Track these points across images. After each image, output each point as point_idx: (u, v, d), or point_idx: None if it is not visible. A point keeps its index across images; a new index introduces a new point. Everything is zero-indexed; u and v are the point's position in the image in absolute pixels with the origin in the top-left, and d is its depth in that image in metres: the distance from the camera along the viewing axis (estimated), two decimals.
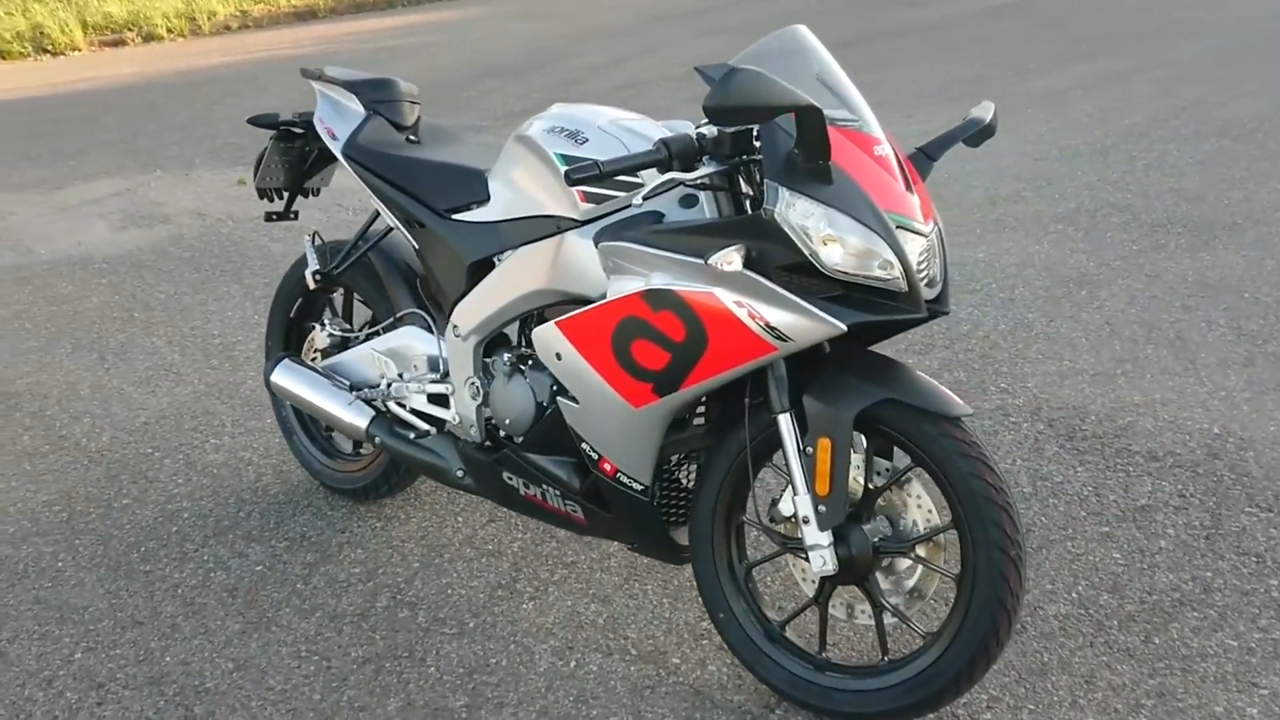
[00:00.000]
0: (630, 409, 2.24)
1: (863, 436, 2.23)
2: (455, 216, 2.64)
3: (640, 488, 2.35)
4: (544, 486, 2.52)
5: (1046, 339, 3.96)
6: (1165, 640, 2.46)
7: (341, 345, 3.03)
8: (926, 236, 2.08)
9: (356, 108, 2.89)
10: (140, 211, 6.36)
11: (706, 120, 2.12)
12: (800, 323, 2.01)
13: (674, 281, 2.11)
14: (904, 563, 2.23)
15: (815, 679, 2.28)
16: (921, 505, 2.20)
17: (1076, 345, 3.89)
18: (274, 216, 3.21)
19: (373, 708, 2.41)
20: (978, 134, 2.36)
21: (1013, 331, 4.04)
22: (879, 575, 2.25)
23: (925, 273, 2.08)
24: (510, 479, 2.59)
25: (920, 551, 2.21)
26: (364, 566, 2.90)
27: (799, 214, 1.99)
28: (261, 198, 3.17)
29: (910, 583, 2.25)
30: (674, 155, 2.08)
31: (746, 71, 1.86)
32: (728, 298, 2.05)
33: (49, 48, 13.48)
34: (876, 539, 2.21)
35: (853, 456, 2.26)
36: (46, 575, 2.95)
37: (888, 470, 2.23)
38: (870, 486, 2.24)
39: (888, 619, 2.26)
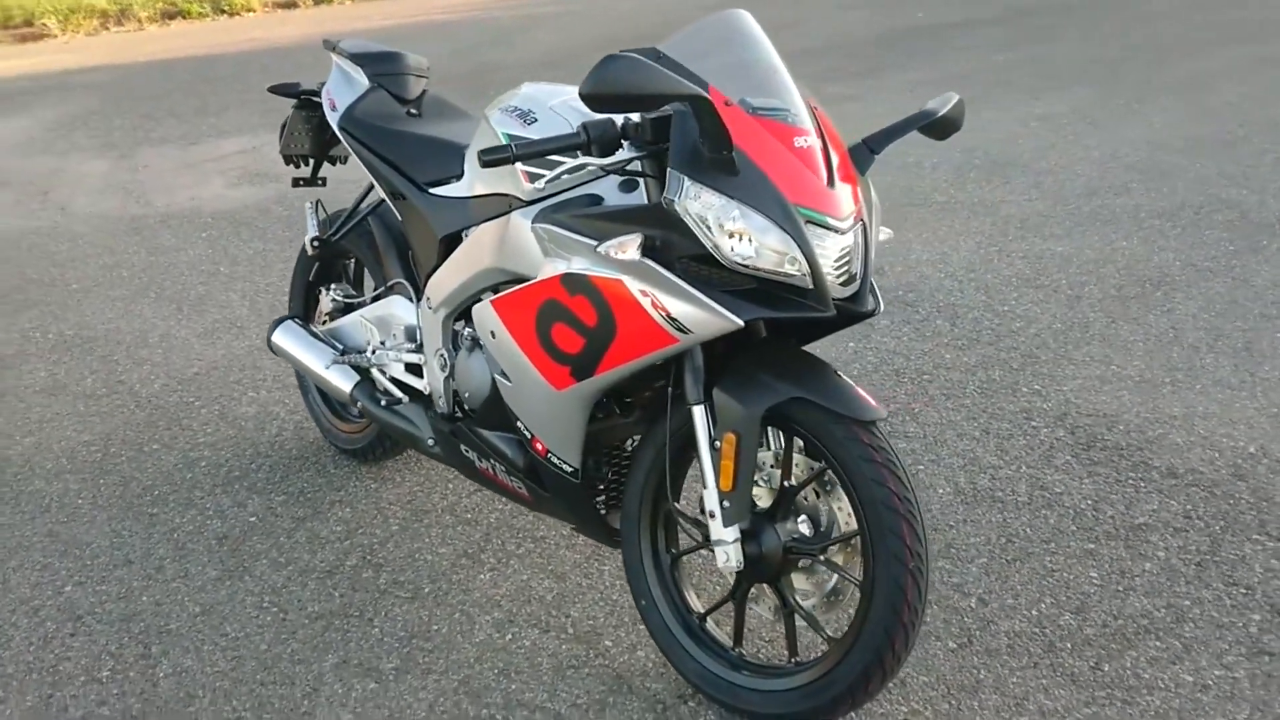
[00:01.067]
0: (553, 391, 2.25)
1: (782, 434, 2.18)
2: (432, 190, 2.68)
3: (570, 470, 2.35)
4: (493, 461, 2.56)
5: (1101, 341, 3.76)
6: (1115, 669, 2.33)
7: (344, 311, 3.13)
8: (843, 233, 1.99)
9: (362, 80, 2.96)
10: (257, 170, 6.66)
11: None
12: (699, 315, 1.97)
13: (590, 267, 2.09)
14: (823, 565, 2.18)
15: (726, 675, 2.25)
16: (842, 509, 2.13)
17: (1131, 350, 3.69)
18: (300, 182, 3.32)
19: (310, 662, 2.49)
20: (937, 126, 2.25)
21: (1066, 331, 3.85)
22: (798, 576, 2.21)
23: (842, 271, 2.00)
24: (467, 451, 2.63)
25: (834, 556, 2.15)
26: (346, 526, 3.00)
27: (700, 205, 1.95)
28: (288, 164, 3.29)
29: (830, 585, 2.19)
30: (592, 140, 2.06)
31: (623, 58, 1.83)
32: (634, 286, 2.03)
33: (226, 8, 14.18)
34: (789, 539, 2.16)
35: (770, 454, 2.22)
36: (65, 511, 3.16)
37: (811, 470, 2.18)
38: (786, 485, 2.19)
39: (800, 620, 2.21)
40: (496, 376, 2.39)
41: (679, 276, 1.99)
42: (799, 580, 2.21)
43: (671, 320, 2.00)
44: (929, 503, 2.93)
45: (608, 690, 2.36)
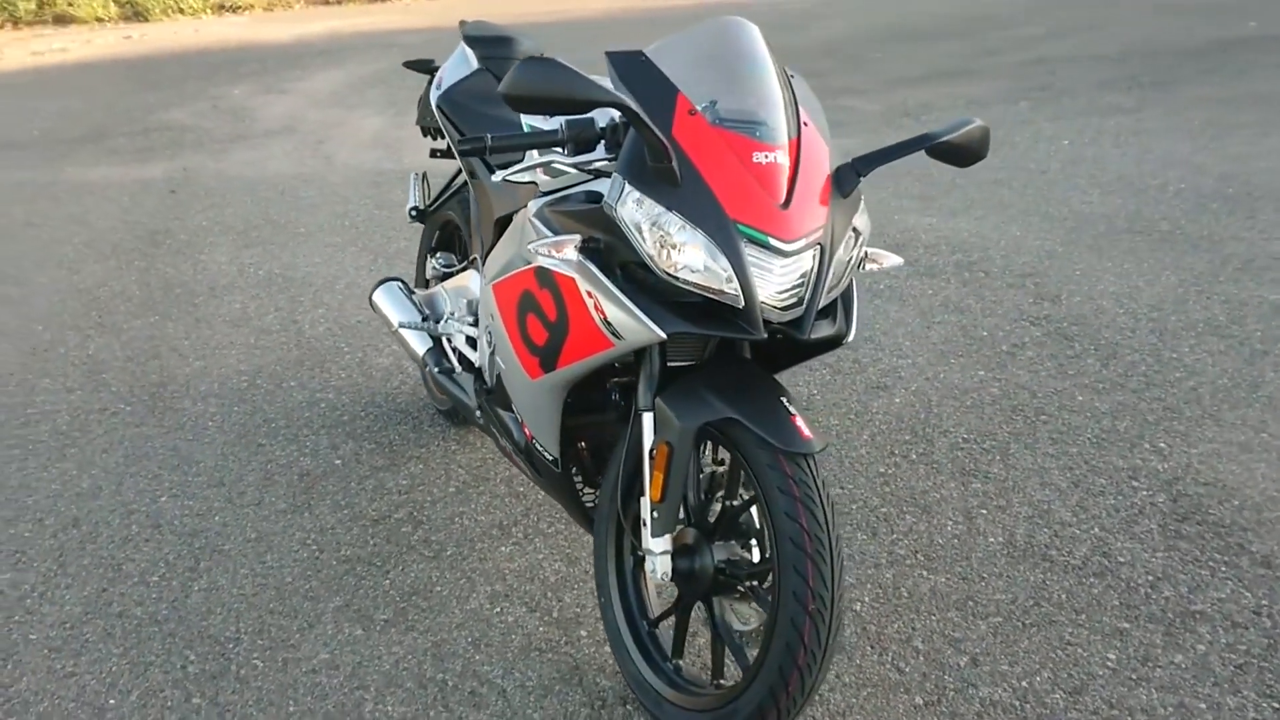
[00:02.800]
0: (529, 380, 2.31)
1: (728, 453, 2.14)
2: (498, 173, 2.78)
3: (551, 458, 2.41)
4: (506, 439, 2.65)
5: (1265, 405, 3.37)
6: None
7: (440, 279, 3.30)
8: (787, 255, 1.92)
9: (473, 62, 3.10)
10: None
11: None
12: (627, 321, 1.97)
13: (555, 263, 2.13)
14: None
15: (655, 684, 2.25)
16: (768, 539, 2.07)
17: None
18: (437, 154, 3.51)
19: (319, 600, 2.69)
20: (950, 153, 2.11)
21: (1230, 389, 3.48)
22: (736, 601, 2.17)
23: (786, 294, 1.93)
24: (492, 427, 2.74)
25: (759, 582, 2.10)
26: (412, 481, 3.18)
27: (637, 212, 1.94)
28: (424, 135, 3.48)
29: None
30: (569, 138, 2.10)
31: (541, 62, 1.85)
32: (582, 286, 2.06)
33: None
34: (720, 561, 2.12)
35: (714, 471, 2.19)
36: (194, 430, 3.53)
37: (745, 496, 2.14)
38: (727, 505, 2.15)
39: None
40: (499, 358, 2.48)
41: (614, 281, 1.99)
42: (737, 605, 2.16)
43: (607, 324, 2.01)
44: (975, 549, 2.75)
45: (559, 678, 2.40)
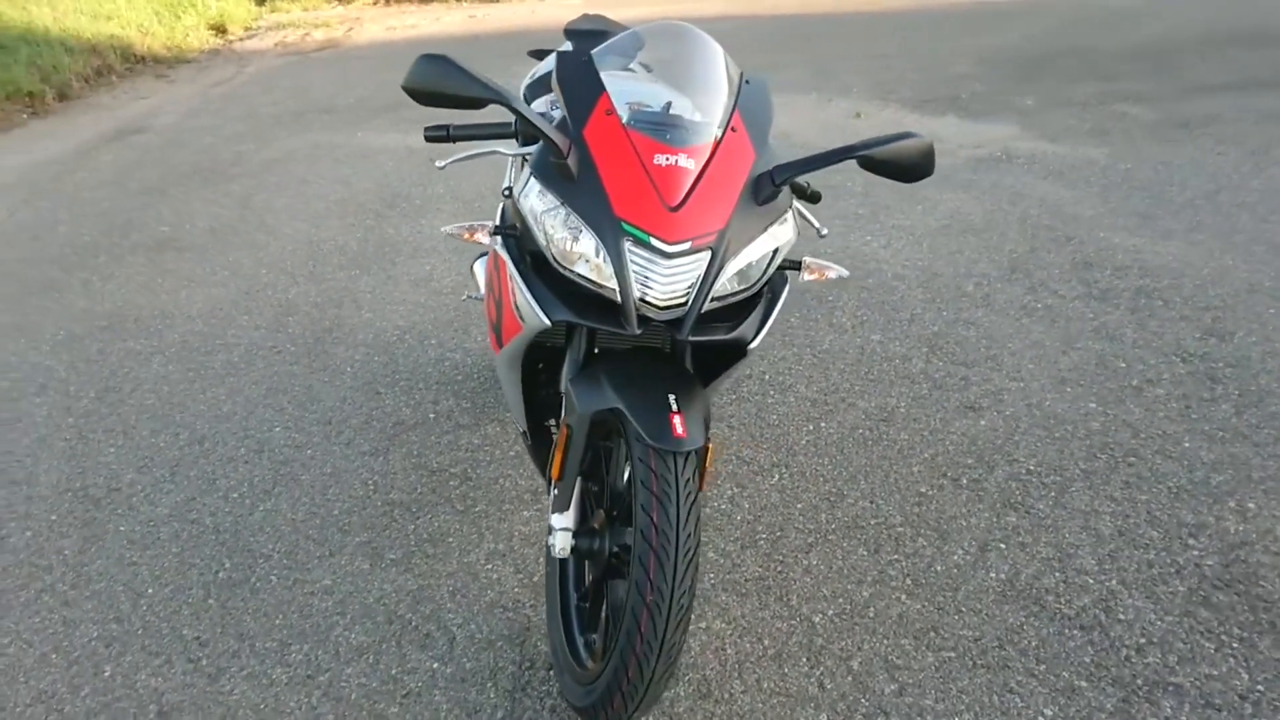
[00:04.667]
0: (494, 354, 2.48)
1: None
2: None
3: (521, 430, 2.57)
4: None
5: None
6: None
7: None
8: (670, 256, 1.98)
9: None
10: None
11: None
12: (525, 306, 2.11)
13: (500, 245, 2.29)
14: None
15: (564, 653, 2.36)
16: None
17: None
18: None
19: (349, 533, 2.99)
20: (886, 167, 2.08)
21: None
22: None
23: (669, 295, 1.99)
24: None
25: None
26: (483, 441, 3.42)
27: (534, 202, 2.07)
28: None
29: None
30: (519, 130, 2.26)
31: (434, 59, 2.00)
32: (506, 269, 2.21)
33: None
34: (617, 545, 2.21)
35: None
36: (331, 373, 3.94)
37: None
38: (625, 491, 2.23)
39: None
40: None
41: (519, 268, 2.13)
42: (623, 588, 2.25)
43: (516, 308, 2.15)
44: (969, 581, 2.66)
45: (507, 636, 2.57)
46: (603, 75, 2.16)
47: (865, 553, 2.79)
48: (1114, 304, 4.15)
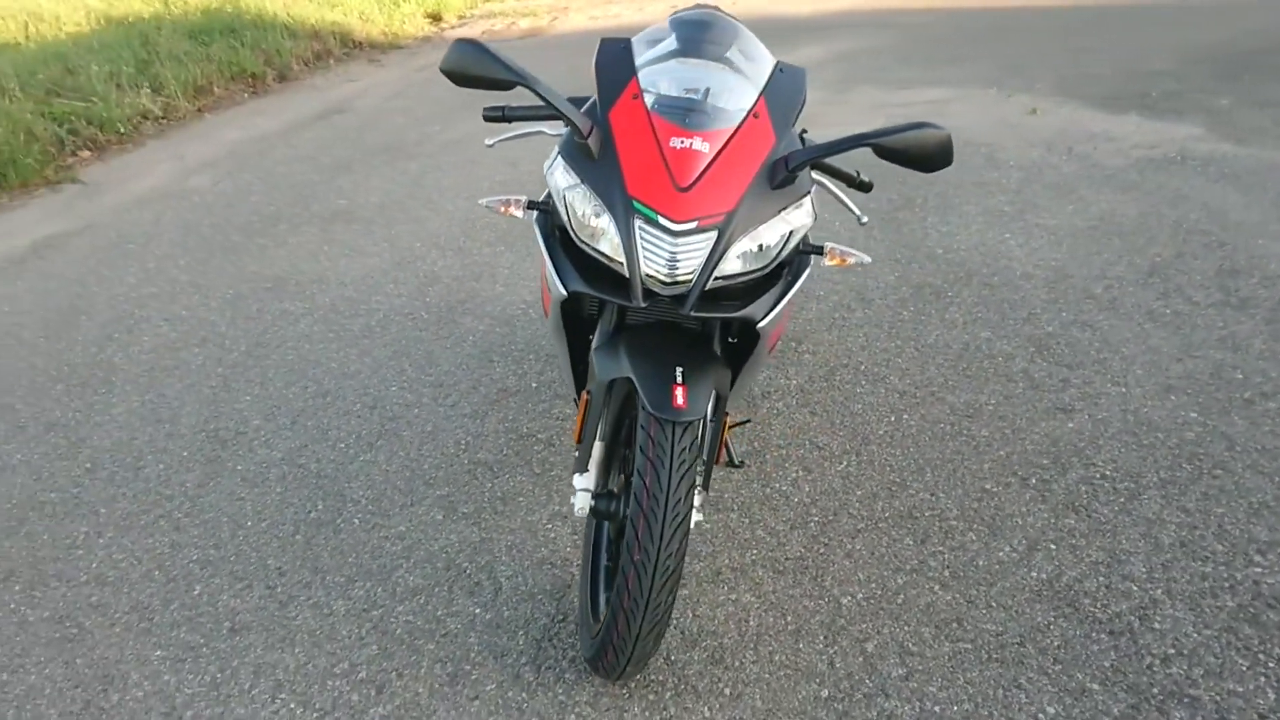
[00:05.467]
0: (545, 319, 2.64)
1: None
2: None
3: (574, 396, 2.72)
4: None
5: None
6: None
7: None
8: (675, 235, 2.08)
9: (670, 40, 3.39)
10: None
11: None
12: (550, 276, 2.26)
13: (534, 220, 2.44)
14: None
15: (588, 610, 2.50)
16: None
17: None
18: None
19: (431, 486, 3.21)
20: (901, 156, 2.12)
21: None
22: None
23: (674, 272, 2.09)
24: None
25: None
26: (561, 424, 3.59)
27: (561, 180, 2.21)
28: None
29: None
30: (566, 112, 2.40)
31: (465, 43, 2.15)
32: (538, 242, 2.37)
33: None
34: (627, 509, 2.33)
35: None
36: (454, 340, 4.19)
37: None
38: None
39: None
40: None
41: (548, 241, 2.28)
42: None
43: (545, 277, 2.30)
44: (1008, 578, 2.65)
45: (548, 591, 2.73)
46: (636, 61, 2.28)
47: (911, 542, 2.81)
48: (1250, 313, 3.95)
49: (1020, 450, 3.18)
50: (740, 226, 2.09)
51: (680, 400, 2.12)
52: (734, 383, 2.45)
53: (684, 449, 2.11)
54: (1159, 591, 2.56)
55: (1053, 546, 2.75)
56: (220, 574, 2.88)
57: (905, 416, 3.41)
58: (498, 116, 2.44)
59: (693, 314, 2.12)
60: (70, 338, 4.44)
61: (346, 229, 5.56)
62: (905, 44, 9.55)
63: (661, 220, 2.06)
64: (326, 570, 2.86)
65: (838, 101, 7.63)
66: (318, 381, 3.92)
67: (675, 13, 2.45)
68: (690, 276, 2.08)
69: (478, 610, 2.68)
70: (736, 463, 3.17)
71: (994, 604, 2.57)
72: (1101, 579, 2.62)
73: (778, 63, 2.36)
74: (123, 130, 7.86)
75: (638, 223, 2.07)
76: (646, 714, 2.32)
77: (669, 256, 2.07)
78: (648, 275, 2.09)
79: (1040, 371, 3.62)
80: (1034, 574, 2.66)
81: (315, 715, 2.38)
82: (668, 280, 2.09)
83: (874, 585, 2.66)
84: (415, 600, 2.72)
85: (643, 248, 2.07)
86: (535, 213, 2.37)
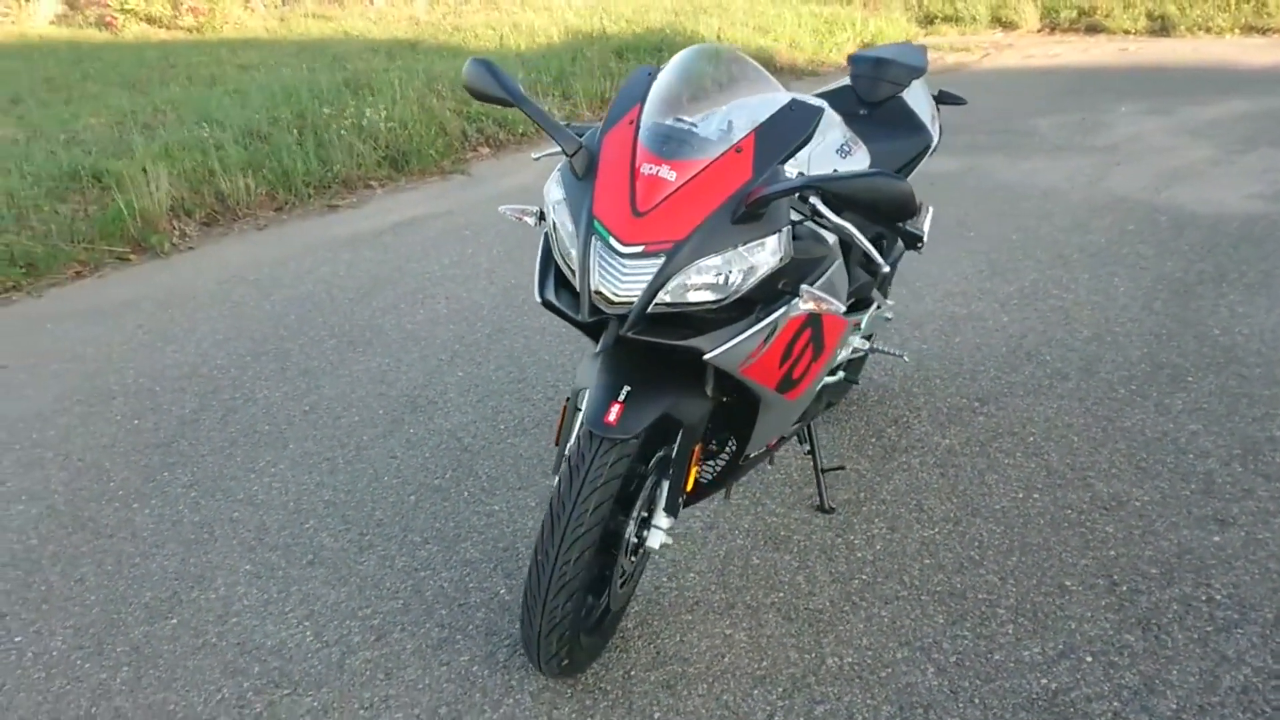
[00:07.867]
0: None
1: None
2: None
3: None
4: None
5: None
6: None
7: None
8: (623, 256, 2.16)
9: (844, 78, 3.38)
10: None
11: None
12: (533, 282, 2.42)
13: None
14: None
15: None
16: None
17: None
18: None
19: (546, 476, 3.42)
20: (857, 206, 2.08)
21: None
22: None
23: (621, 291, 2.17)
24: None
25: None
26: None
27: (552, 193, 2.37)
28: None
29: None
30: (555, 134, 2.55)
31: (477, 62, 2.35)
32: None
33: None
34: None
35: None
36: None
37: None
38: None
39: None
40: None
41: (543, 249, 2.43)
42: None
43: None
44: (1018, 687, 2.43)
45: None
46: (652, 90, 2.35)
47: (941, 621, 2.63)
48: None
49: (1136, 554, 2.85)
50: (688, 256, 2.12)
51: (612, 417, 2.19)
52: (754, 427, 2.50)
53: (605, 465, 2.19)
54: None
55: (1089, 659, 2.46)
56: (334, 515, 3.27)
57: (1036, 496, 3.15)
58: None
59: (633, 335, 2.17)
60: (367, 303, 5.11)
61: None
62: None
63: (612, 241, 2.14)
64: (414, 530, 3.16)
65: (1225, 162, 6.91)
66: (522, 368, 4.25)
67: (689, 49, 2.48)
68: (634, 299, 2.14)
69: (502, 590, 2.86)
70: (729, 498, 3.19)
71: (975, 700, 2.36)
72: (1114, 705, 2.32)
73: (791, 99, 2.34)
74: (523, 131, 8.73)
75: (595, 241, 2.16)
76: (573, 717, 2.39)
77: (615, 276, 2.14)
78: (596, 293, 2.17)
79: (1227, 477, 3.18)
80: (1043, 682, 2.40)
81: (320, 645, 2.68)
82: (614, 299, 2.16)
83: (870, 654, 2.53)
84: (461, 570, 2.95)
85: (596, 266, 2.16)
86: (545, 223, 2.51)
